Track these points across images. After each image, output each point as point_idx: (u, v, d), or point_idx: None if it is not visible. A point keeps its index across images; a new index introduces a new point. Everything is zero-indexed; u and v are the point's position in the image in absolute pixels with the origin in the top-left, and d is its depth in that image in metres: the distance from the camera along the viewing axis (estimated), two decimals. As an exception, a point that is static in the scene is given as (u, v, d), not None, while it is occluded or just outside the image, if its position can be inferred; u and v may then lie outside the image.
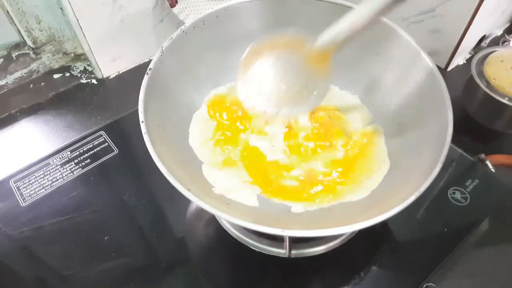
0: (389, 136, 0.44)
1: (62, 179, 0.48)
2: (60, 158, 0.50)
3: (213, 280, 0.42)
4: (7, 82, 0.60)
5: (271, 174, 0.42)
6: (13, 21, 0.57)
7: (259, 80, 0.40)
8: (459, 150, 0.50)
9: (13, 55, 0.60)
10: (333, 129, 0.45)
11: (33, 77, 0.61)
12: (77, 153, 0.51)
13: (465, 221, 0.44)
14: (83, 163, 0.50)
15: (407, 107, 0.42)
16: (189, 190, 0.30)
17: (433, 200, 0.46)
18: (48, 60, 0.62)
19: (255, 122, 0.45)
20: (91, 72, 0.63)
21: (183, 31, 0.42)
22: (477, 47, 0.66)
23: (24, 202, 0.46)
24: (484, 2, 0.53)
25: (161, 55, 0.39)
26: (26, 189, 0.47)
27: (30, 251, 0.43)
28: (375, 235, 0.44)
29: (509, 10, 0.66)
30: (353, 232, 0.43)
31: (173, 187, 0.31)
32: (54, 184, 0.48)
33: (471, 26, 0.56)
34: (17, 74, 0.60)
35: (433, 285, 0.40)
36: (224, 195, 0.39)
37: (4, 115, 0.57)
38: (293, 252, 0.40)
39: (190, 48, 0.43)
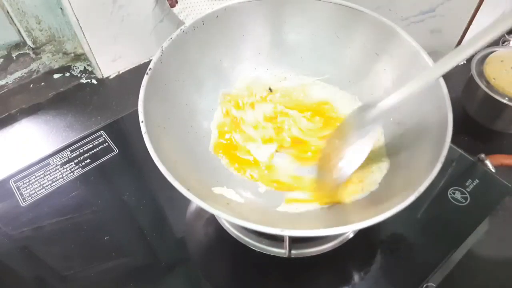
0: (389, 136, 0.44)
1: (62, 179, 0.48)
2: (60, 158, 0.50)
3: (213, 280, 0.42)
4: (7, 82, 0.60)
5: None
6: (13, 21, 0.57)
7: None
8: (459, 150, 0.50)
9: (13, 55, 0.60)
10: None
11: (33, 77, 0.61)
12: (77, 153, 0.51)
13: (465, 221, 0.44)
14: (83, 163, 0.50)
15: (407, 107, 0.42)
16: (188, 190, 0.30)
17: (433, 200, 0.46)
18: (48, 60, 0.62)
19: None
20: (91, 72, 0.63)
21: (183, 31, 0.42)
22: (477, 47, 0.66)
23: (24, 202, 0.46)
24: (484, 2, 0.53)
25: (161, 55, 0.39)
26: (26, 189, 0.47)
27: (30, 251, 0.43)
28: (375, 235, 0.44)
29: (509, 10, 0.66)
30: (353, 232, 0.43)
31: (173, 187, 0.31)
32: (54, 184, 0.48)
33: (471, 26, 0.56)
34: (17, 74, 0.60)
35: (433, 285, 0.40)
36: (223, 195, 0.39)
37: (4, 115, 0.57)
38: (293, 252, 0.40)
39: (190, 48, 0.43)
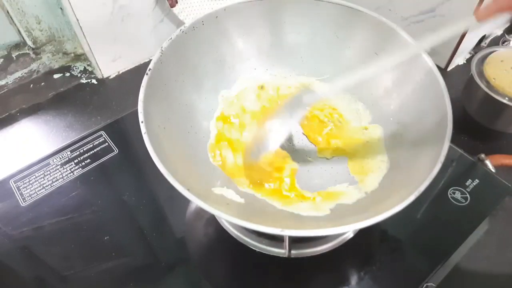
0: (389, 136, 0.44)
1: (62, 179, 0.48)
2: (60, 158, 0.50)
3: (213, 280, 0.42)
4: (7, 82, 0.60)
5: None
6: (13, 21, 0.57)
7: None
8: (459, 150, 0.50)
9: (13, 55, 0.60)
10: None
11: (33, 77, 0.61)
12: (77, 153, 0.51)
13: (465, 221, 0.44)
14: (83, 163, 0.50)
15: (407, 107, 0.42)
16: (188, 190, 0.30)
17: (433, 200, 0.46)
18: (48, 60, 0.62)
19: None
20: (91, 72, 0.63)
21: (183, 32, 0.42)
22: (477, 47, 0.66)
23: (24, 202, 0.46)
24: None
25: (161, 55, 0.39)
26: (26, 189, 0.47)
27: (30, 251, 0.43)
28: (375, 235, 0.44)
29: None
30: (353, 232, 0.43)
31: (173, 187, 0.31)
32: (54, 184, 0.48)
33: (471, 26, 0.56)
34: (17, 74, 0.60)
35: (433, 285, 0.40)
36: (223, 195, 0.39)
37: (4, 115, 0.57)
38: (293, 252, 0.40)
39: (190, 48, 0.43)
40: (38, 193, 0.47)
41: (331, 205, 0.39)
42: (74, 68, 0.63)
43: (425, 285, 0.40)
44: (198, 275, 0.42)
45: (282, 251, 0.41)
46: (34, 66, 0.61)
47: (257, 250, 0.41)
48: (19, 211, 0.45)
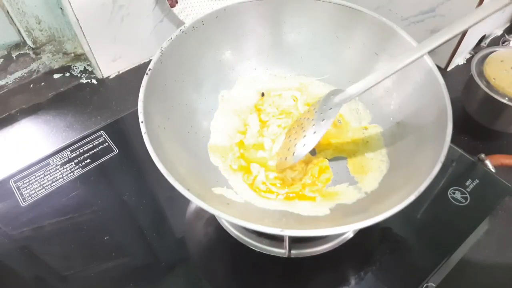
0: (389, 136, 0.44)
1: (62, 179, 0.48)
2: (60, 158, 0.50)
3: (213, 280, 0.42)
4: (7, 82, 0.60)
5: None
6: (13, 21, 0.57)
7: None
8: (459, 150, 0.50)
9: (13, 55, 0.60)
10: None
11: (33, 77, 0.61)
12: (77, 153, 0.51)
13: (465, 221, 0.44)
14: (83, 163, 0.50)
15: (407, 107, 0.42)
16: (188, 190, 0.30)
17: (433, 200, 0.46)
18: (48, 60, 0.62)
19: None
20: (91, 72, 0.63)
21: (183, 32, 0.42)
22: (477, 47, 0.66)
23: (24, 202, 0.46)
24: (484, 2, 0.53)
25: (161, 56, 0.39)
26: (26, 189, 0.47)
27: (30, 251, 0.43)
28: (375, 235, 0.44)
29: (509, 10, 0.66)
30: (353, 232, 0.43)
31: (173, 187, 0.31)
32: (54, 184, 0.48)
33: (471, 26, 0.56)
34: (17, 74, 0.60)
35: (433, 285, 0.40)
36: (223, 195, 0.39)
37: (4, 115, 0.57)
38: (293, 252, 0.40)
39: (190, 48, 0.43)
40: (38, 193, 0.47)
41: (331, 205, 0.39)
42: (74, 68, 0.63)
43: (425, 285, 0.40)
44: (198, 275, 0.42)
45: (282, 251, 0.41)
46: (34, 66, 0.61)
47: (257, 250, 0.41)
48: (19, 211, 0.45)
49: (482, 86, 0.50)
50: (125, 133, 0.54)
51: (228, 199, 0.38)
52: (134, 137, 0.53)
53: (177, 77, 0.42)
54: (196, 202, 0.30)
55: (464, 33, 0.58)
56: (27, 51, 0.61)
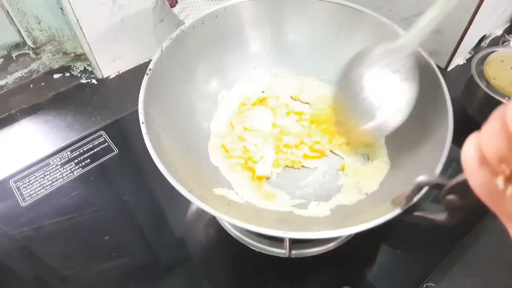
0: (389, 136, 0.44)
1: (62, 179, 0.48)
2: (60, 158, 0.50)
3: (213, 280, 0.42)
4: (7, 82, 0.60)
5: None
6: (13, 21, 0.57)
7: None
8: (460, 150, 0.50)
9: (13, 55, 0.60)
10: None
11: (33, 77, 0.61)
12: (77, 153, 0.51)
13: (465, 221, 0.44)
14: (83, 163, 0.50)
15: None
16: (189, 191, 0.30)
17: (433, 200, 0.46)
18: (48, 60, 0.62)
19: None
20: (91, 72, 0.63)
21: (183, 31, 0.42)
22: (477, 47, 0.66)
23: (24, 202, 0.46)
24: (484, 2, 0.53)
25: (161, 55, 0.39)
26: (26, 189, 0.47)
27: (30, 251, 0.43)
28: (375, 235, 0.44)
29: (509, 10, 0.66)
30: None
31: (173, 188, 0.31)
32: (54, 184, 0.48)
33: (471, 26, 0.56)
34: (17, 74, 0.60)
35: (433, 285, 0.40)
36: (224, 196, 0.39)
37: (4, 115, 0.57)
38: (293, 252, 0.40)
39: (190, 48, 0.43)
40: (38, 193, 0.47)
41: (331, 206, 0.39)
42: (74, 68, 0.63)
43: (425, 285, 0.40)
44: (198, 275, 0.42)
45: (283, 251, 0.41)
46: (34, 66, 0.61)
47: (257, 250, 0.41)
48: (19, 211, 0.45)
49: (482, 86, 0.50)
50: (125, 133, 0.54)
51: (229, 200, 0.38)
52: (134, 137, 0.53)
53: (177, 77, 0.42)
54: (197, 203, 0.30)
55: (464, 33, 0.58)
56: (27, 51, 0.60)
